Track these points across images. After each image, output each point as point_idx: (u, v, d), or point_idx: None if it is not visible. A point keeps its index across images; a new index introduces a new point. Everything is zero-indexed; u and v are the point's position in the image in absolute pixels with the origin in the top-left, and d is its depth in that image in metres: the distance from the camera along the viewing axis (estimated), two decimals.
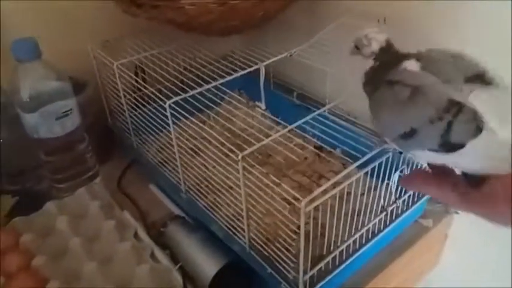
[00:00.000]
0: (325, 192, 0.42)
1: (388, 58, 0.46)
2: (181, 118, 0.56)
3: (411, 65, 0.44)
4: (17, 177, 0.73)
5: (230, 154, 0.50)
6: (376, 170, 0.46)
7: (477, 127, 0.41)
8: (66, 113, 0.65)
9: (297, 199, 0.40)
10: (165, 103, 0.56)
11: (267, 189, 0.48)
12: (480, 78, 0.43)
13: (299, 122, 0.52)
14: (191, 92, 0.57)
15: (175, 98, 0.55)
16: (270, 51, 0.69)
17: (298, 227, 0.52)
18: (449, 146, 0.42)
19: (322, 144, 0.72)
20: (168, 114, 0.56)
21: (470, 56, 0.45)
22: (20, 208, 0.69)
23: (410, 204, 0.56)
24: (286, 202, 0.50)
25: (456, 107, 0.40)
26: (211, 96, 0.60)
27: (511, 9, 0.53)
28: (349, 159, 0.66)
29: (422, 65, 0.43)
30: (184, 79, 0.68)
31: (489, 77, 0.43)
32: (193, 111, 0.57)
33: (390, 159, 0.47)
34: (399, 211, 0.55)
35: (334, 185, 0.43)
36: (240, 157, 0.46)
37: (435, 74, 0.43)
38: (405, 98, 0.41)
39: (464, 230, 0.69)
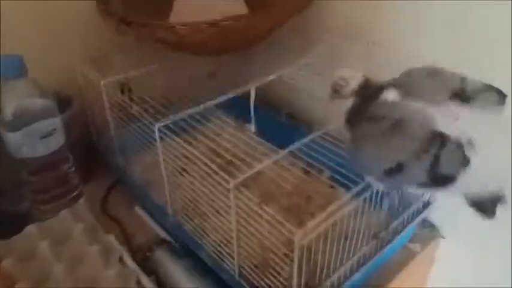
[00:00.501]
0: (319, 223, 0.41)
1: (368, 92, 0.46)
2: (169, 139, 0.55)
3: (391, 95, 0.44)
4: None
5: (217, 176, 0.49)
6: (368, 197, 0.46)
7: (464, 156, 0.41)
8: (51, 132, 0.63)
9: (290, 231, 0.40)
10: (153, 125, 0.55)
11: (257, 217, 0.48)
12: (461, 95, 0.43)
13: (291, 148, 0.52)
14: (180, 115, 0.56)
15: (165, 122, 0.54)
16: (258, 70, 0.69)
17: (290, 251, 0.52)
18: (439, 179, 0.42)
19: (309, 168, 0.72)
20: (157, 137, 0.55)
21: (447, 69, 0.46)
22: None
23: (400, 230, 0.56)
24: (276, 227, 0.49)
25: (439, 139, 0.41)
26: (198, 118, 0.59)
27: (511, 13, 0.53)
28: (336, 182, 0.67)
29: (402, 92, 0.44)
30: (171, 98, 0.67)
31: (469, 91, 0.44)
32: (179, 131, 0.56)
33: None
34: (389, 237, 0.55)
35: (328, 214, 0.43)
36: (232, 185, 0.45)
37: (418, 96, 0.43)
38: (388, 131, 0.41)
39: (451, 254, 0.70)
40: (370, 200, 0.46)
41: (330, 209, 0.42)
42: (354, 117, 0.45)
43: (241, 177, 0.45)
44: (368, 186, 0.45)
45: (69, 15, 0.76)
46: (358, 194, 0.45)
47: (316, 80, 0.66)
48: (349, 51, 0.65)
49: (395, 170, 0.42)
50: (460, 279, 0.71)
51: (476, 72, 0.56)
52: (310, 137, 0.53)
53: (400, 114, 0.42)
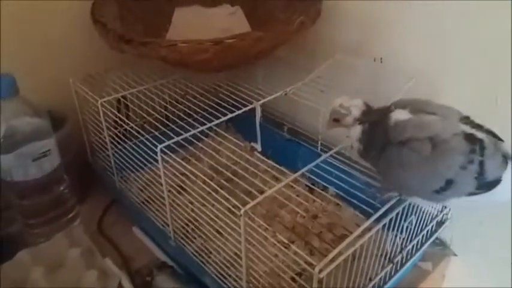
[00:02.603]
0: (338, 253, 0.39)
1: (375, 117, 0.45)
2: (168, 158, 0.53)
3: (402, 114, 0.43)
4: None
5: (218, 194, 0.48)
6: (387, 223, 0.44)
7: (503, 157, 0.42)
8: (45, 154, 0.59)
9: (310, 263, 0.37)
10: (155, 145, 0.53)
11: (264, 241, 0.45)
12: (468, 121, 0.44)
13: (302, 170, 0.49)
14: (184, 135, 0.54)
15: (167, 142, 0.52)
16: (260, 87, 0.67)
17: (298, 274, 0.49)
18: (487, 185, 0.42)
19: (314, 186, 0.70)
20: (159, 158, 0.52)
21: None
22: None
23: (414, 252, 0.54)
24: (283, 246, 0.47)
25: (478, 144, 0.41)
26: (199, 134, 0.57)
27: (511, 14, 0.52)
28: (342, 199, 0.65)
29: (411, 109, 0.43)
30: (170, 115, 0.65)
31: (473, 120, 0.44)
32: (178, 148, 0.54)
33: (400, 211, 0.45)
34: (404, 260, 0.52)
35: (342, 237, 0.41)
36: (242, 212, 0.42)
37: (429, 112, 0.43)
38: (429, 153, 0.40)
39: (461, 271, 0.68)
40: (389, 224, 0.44)
41: (350, 238, 0.40)
42: (371, 144, 0.44)
43: (251, 203, 0.43)
44: (387, 211, 0.43)
45: (61, 31, 0.74)
46: (378, 219, 0.43)
47: (321, 97, 0.65)
48: (355, 67, 0.63)
49: (446, 187, 0.41)
50: None
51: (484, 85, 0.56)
52: (322, 158, 0.51)
53: (430, 131, 0.41)
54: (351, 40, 0.70)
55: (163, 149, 0.52)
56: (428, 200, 0.45)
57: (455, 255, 0.66)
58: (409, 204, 0.46)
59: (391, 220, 0.44)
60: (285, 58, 0.76)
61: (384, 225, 0.43)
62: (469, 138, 0.41)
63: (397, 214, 0.44)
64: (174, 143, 0.53)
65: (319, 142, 0.73)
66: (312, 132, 0.76)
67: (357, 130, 0.45)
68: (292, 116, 0.81)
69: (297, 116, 0.80)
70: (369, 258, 0.45)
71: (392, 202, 0.44)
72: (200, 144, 0.58)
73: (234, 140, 0.61)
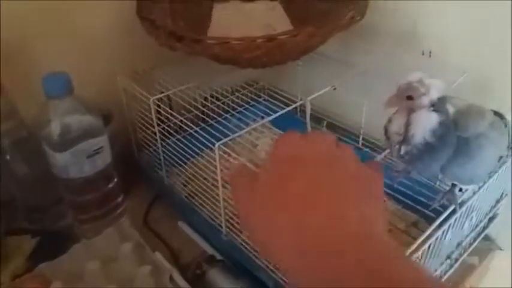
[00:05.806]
0: None
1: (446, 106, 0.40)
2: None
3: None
4: (35, 213, 0.69)
5: None
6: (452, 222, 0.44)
7: None
8: (98, 151, 0.61)
9: None
10: (209, 141, 0.54)
11: None
12: None
13: None
14: (239, 132, 0.54)
15: (224, 140, 0.52)
16: (303, 82, 0.67)
17: None
18: None
19: None
20: (216, 154, 0.52)
21: None
22: (43, 250, 0.64)
23: (468, 247, 0.54)
24: None
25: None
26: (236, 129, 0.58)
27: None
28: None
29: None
30: (214, 108, 0.66)
31: None
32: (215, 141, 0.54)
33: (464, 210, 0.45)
34: (459, 256, 0.53)
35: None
36: None
37: None
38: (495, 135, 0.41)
39: (506, 265, 0.68)
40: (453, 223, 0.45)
41: (422, 237, 0.40)
42: (446, 140, 0.38)
43: None
44: (454, 211, 0.44)
45: (103, 29, 0.74)
46: (443, 222, 0.43)
47: (365, 91, 0.64)
48: (402, 61, 0.62)
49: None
50: None
51: None
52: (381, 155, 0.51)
53: (485, 115, 0.42)
54: (398, 32, 0.69)
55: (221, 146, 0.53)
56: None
57: (501, 249, 0.66)
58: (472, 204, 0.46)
59: (456, 220, 0.44)
60: (327, 52, 0.76)
61: (450, 226, 0.43)
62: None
63: (461, 213, 0.45)
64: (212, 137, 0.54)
65: (361, 137, 0.73)
66: (352, 127, 0.76)
67: (431, 118, 0.37)
68: (331, 111, 0.81)
69: (336, 110, 0.80)
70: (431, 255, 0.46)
71: (459, 201, 0.44)
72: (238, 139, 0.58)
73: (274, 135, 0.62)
